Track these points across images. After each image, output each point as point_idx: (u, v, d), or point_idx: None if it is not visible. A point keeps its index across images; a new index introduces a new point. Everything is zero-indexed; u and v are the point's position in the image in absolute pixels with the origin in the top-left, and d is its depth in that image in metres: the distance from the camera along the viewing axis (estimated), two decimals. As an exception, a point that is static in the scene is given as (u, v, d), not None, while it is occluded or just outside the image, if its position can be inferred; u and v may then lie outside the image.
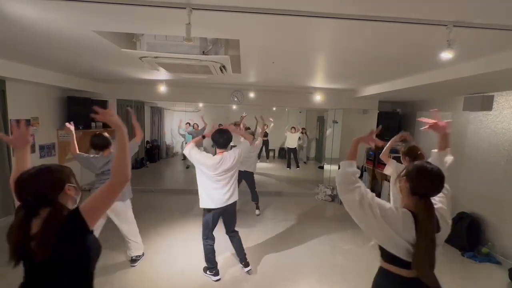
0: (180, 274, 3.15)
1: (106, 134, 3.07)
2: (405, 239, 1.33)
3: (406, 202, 1.43)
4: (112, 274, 3.10)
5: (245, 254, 3.22)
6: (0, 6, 1.81)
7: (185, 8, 1.66)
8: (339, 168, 1.56)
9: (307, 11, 1.69)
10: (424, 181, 1.38)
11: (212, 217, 2.97)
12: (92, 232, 1.23)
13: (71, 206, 1.25)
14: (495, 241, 3.78)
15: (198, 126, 8.95)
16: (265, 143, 10.28)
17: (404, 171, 1.47)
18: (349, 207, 1.40)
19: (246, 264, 3.20)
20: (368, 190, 1.42)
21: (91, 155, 3.05)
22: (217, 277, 3.05)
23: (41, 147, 4.96)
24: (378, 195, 6.30)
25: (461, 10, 1.60)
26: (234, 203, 3.08)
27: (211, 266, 3.07)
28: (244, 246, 3.26)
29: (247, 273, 3.17)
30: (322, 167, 9.36)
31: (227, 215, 3.09)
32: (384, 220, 1.32)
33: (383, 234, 1.35)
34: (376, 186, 6.19)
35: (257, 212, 5.09)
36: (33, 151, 4.75)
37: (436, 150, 1.76)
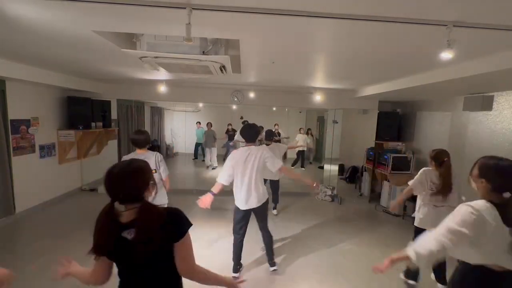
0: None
1: (147, 132, 3.09)
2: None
3: (487, 198, 1.43)
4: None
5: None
6: (0, 6, 1.81)
7: (185, 8, 1.66)
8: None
9: (307, 11, 1.70)
10: (506, 179, 1.39)
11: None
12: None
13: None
14: (495, 241, 3.78)
15: (211, 126, 9.27)
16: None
17: (477, 171, 1.47)
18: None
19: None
20: (445, 238, 1.39)
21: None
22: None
23: (41, 147, 4.96)
24: (378, 195, 6.28)
25: (461, 10, 1.60)
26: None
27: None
28: (243, 245, 3.26)
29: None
30: (322, 167, 9.36)
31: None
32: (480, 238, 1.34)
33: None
34: (376, 186, 6.19)
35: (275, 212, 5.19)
36: (33, 151, 4.75)
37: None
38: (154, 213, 1.21)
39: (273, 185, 5.05)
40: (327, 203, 6.03)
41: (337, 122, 6.76)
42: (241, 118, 10.61)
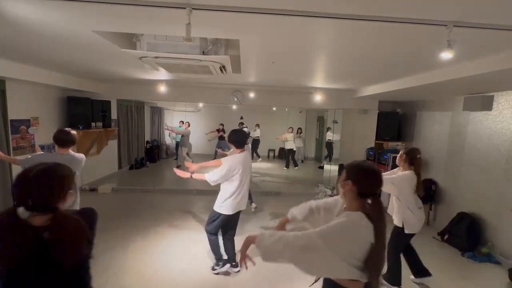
0: (180, 274, 3.15)
1: (73, 132, 2.83)
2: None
3: (355, 205, 1.36)
4: (112, 274, 3.10)
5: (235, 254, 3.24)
6: (0, 6, 1.81)
7: (185, 8, 1.66)
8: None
9: (307, 11, 1.69)
10: (373, 181, 1.36)
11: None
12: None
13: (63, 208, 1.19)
14: (495, 241, 3.78)
15: (189, 125, 9.12)
16: (255, 142, 10.18)
17: (345, 174, 1.41)
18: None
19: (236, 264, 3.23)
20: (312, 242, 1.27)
21: (37, 153, 2.93)
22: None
23: (41, 147, 4.95)
24: (378, 195, 6.31)
25: (461, 10, 1.60)
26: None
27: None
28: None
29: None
30: (322, 167, 9.37)
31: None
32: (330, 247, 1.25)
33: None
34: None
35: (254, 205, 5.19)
36: (33, 151, 4.74)
37: None
38: (70, 225, 1.10)
39: None
40: (327, 203, 6.01)
41: (337, 122, 6.77)
42: (241, 118, 10.62)
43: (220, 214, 2.97)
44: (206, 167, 3.19)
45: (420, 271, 3.05)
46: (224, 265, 3.17)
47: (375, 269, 1.28)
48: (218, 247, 3.16)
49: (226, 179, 2.89)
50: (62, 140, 2.77)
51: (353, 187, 1.37)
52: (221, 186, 2.96)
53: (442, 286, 3.16)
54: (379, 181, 1.38)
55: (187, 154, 9.10)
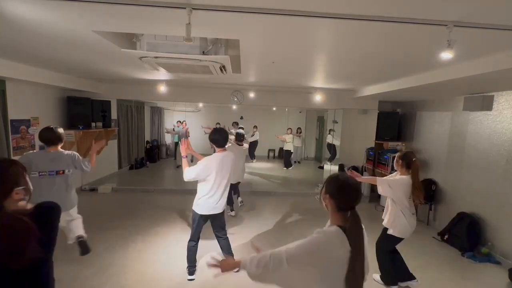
0: (180, 274, 3.15)
1: (59, 130, 2.85)
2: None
3: (335, 218, 1.40)
4: (112, 274, 3.10)
5: (232, 255, 3.17)
6: (0, 6, 1.81)
7: (185, 8, 1.66)
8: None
9: (307, 11, 1.69)
10: (348, 196, 1.37)
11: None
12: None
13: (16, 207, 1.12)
14: (495, 241, 3.78)
15: (186, 124, 9.18)
16: (253, 144, 10.14)
17: (324, 188, 1.44)
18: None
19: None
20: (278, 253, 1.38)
21: (30, 152, 2.91)
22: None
23: (41, 147, 4.95)
24: (378, 195, 6.27)
25: (461, 10, 1.60)
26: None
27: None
28: (243, 245, 3.26)
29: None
30: (322, 167, 9.38)
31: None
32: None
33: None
34: (376, 186, 6.19)
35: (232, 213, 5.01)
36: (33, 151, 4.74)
37: None
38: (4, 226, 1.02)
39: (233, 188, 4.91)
40: (327, 203, 6.02)
41: (337, 122, 6.77)
42: (241, 118, 10.62)
43: (196, 214, 2.96)
44: (196, 157, 3.20)
45: (404, 276, 3.03)
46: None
47: (354, 283, 1.28)
48: (194, 254, 3.09)
49: (202, 178, 2.83)
50: (46, 138, 2.76)
51: (331, 200, 1.39)
52: (198, 184, 2.93)
53: (442, 286, 3.16)
54: (355, 196, 1.38)
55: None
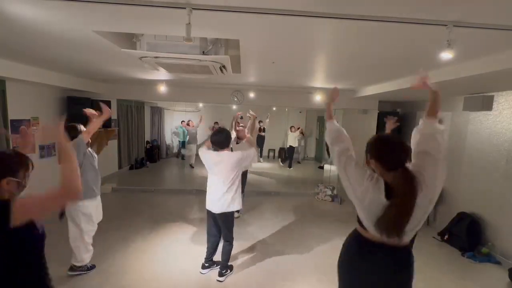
0: (180, 274, 3.15)
1: (80, 126, 3.21)
2: (372, 202, 1.31)
3: (385, 178, 1.36)
4: (112, 274, 3.10)
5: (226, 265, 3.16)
6: (0, 6, 1.81)
7: (185, 8, 1.66)
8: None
9: (307, 11, 1.70)
10: (393, 152, 1.32)
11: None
12: (12, 231, 1.11)
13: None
14: (495, 241, 3.78)
15: (193, 123, 9.16)
16: (260, 139, 10.06)
17: (367, 153, 1.42)
18: (333, 159, 1.49)
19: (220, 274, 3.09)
20: (352, 155, 1.46)
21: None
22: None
23: (41, 147, 4.96)
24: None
25: (461, 10, 1.60)
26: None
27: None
28: (244, 245, 3.26)
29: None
30: (322, 167, 9.36)
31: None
32: (349, 178, 1.38)
33: (351, 193, 1.38)
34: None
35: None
36: (33, 151, 4.74)
37: (423, 118, 1.52)
38: None
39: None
40: (327, 203, 6.03)
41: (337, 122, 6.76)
42: (241, 118, 10.60)
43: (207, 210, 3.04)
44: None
45: None
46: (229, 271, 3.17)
47: (385, 227, 1.28)
48: (208, 249, 3.16)
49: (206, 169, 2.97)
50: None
51: (377, 163, 1.34)
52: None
53: (442, 286, 3.16)
54: (402, 152, 1.31)
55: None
